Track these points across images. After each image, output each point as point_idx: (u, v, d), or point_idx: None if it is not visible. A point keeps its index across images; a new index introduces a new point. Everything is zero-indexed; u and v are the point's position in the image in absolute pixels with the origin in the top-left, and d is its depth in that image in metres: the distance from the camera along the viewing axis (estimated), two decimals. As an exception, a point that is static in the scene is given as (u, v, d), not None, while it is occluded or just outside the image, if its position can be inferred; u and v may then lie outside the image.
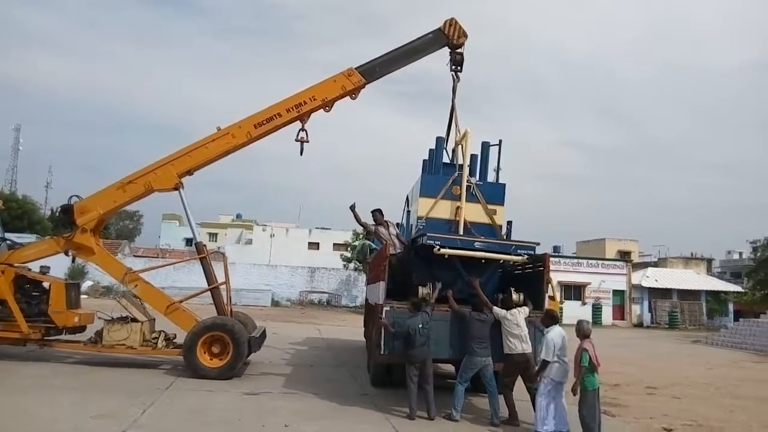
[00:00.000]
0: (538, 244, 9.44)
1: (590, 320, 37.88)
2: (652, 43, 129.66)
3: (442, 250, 8.86)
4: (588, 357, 7.21)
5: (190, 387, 9.70)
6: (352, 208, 10.99)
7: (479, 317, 8.55)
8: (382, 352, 8.88)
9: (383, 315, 8.82)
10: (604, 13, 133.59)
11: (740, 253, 58.21)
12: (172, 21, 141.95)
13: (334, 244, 49.05)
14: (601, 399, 10.45)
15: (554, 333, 7.78)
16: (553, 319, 8.07)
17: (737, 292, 41.99)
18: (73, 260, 13.02)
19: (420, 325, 8.41)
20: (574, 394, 7.43)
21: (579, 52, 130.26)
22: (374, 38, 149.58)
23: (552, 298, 10.44)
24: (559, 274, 36.44)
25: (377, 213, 10.84)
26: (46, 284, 11.44)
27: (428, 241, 8.89)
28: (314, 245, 51.52)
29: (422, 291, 9.14)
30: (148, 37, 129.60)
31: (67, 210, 11.52)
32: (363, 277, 32.82)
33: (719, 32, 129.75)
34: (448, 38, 11.44)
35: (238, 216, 70.27)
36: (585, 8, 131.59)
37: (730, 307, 41.60)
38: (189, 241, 55.64)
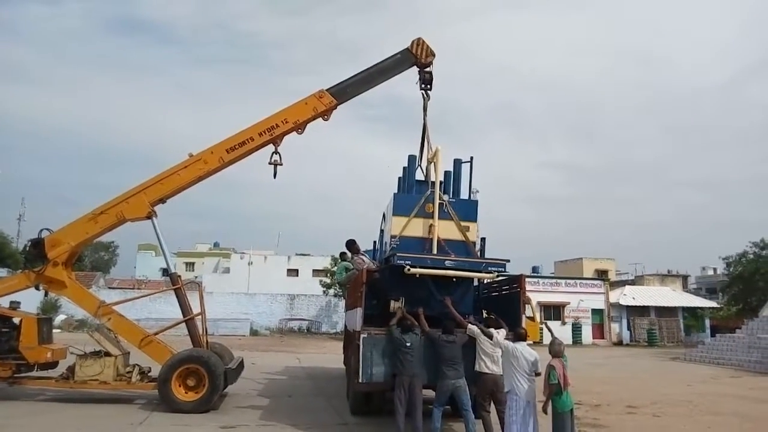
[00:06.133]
0: (509, 261, 9.45)
1: (570, 340, 37.87)
2: (624, 65, 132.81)
3: (413, 270, 8.86)
4: (556, 374, 7.16)
5: (165, 422, 9.48)
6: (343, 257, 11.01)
7: (448, 339, 8.50)
8: (360, 380, 8.78)
9: (361, 342, 8.75)
10: (576, 39, 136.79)
11: (714, 269, 59.28)
12: (145, 50, 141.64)
13: (314, 270, 48.71)
14: (582, 419, 10.52)
15: (518, 349, 7.74)
16: (519, 337, 8.03)
17: (713, 308, 42.64)
18: (46, 294, 12.69)
19: (408, 344, 8.36)
20: (545, 413, 7.38)
21: (553, 76, 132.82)
22: (351, 65, 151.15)
23: (531, 318, 10.44)
24: (538, 294, 36.66)
25: (353, 243, 10.79)
26: (16, 320, 11.17)
27: (398, 261, 8.89)
28: (293, 272, 51.11)
29: (394, 305, 9.12)
30: (121, 66, 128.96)
31: (37, 243, 11.33)
32: (343, 303, 32.63)
33: (689, 55, 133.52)
34: (416, 57, 11.63)
35: (216, 244, 69.58)
36: (557, 35, 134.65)
37: (707, 322, 42.13)
38: (166, 271, 54.75)
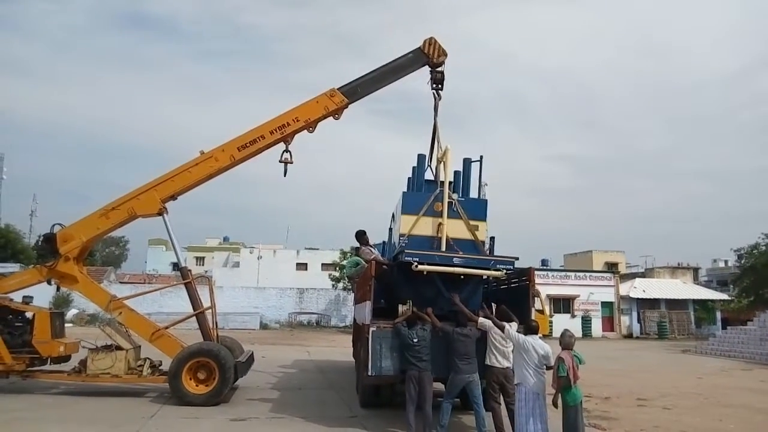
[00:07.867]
0: (517, 258, 9.39)
1: (580, 333, 37.75)
2: (629, 57, 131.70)
3: (420, 267, 8.82)
4: (565, 367, 7.13)
5: (176, 414, 9.57)
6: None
7: (462, 333, 8.49)
8: (369, 373, 8.80)
9: (370, 335, 8.78)
10: (581, 31, 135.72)
11: (726, 261, 58.78)
12: (150, 45, 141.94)
13: (323, 264, 48.81)
14: (592, 412, 10.52)
15: (529, 342, 7.72)
16: (531, 329, 8.01)
17: (724, 300, 42.31)
18: (58, 289, 12.79)
19: (415, 340, 8.36)
20: (555, 407, 7.37)
21: (558, 68, 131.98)
22: (354, 57, 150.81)
23: (541, 311, 10.38)
24: (547, 287, 36.59)
25: (362, 234, 10.82)
26: (29, 314, 11.29)
27: (406, 258, 8.86)
28: (302, 266, 51.25)
29: (401, 309, 9.09)
30: (127, 61, 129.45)
31: (49, 239, 11.41)
32: (352, 297, 32.68)
33: (693, 46, 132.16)
34: (428, 57, 11.57)
35: (225, 239, 69.86)
36: (563, 27, 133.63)
37: (718, 315, 41.89)
38: (176, 266, 55.09)
